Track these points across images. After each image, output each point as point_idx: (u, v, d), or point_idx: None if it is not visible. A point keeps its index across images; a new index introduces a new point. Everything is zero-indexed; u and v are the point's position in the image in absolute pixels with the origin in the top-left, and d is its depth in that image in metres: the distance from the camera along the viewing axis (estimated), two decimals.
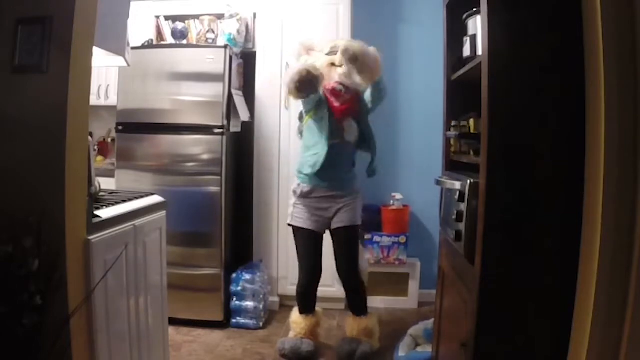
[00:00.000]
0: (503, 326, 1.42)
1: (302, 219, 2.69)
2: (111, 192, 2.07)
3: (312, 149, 2.64)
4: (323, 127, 2.60)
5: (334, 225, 2.71)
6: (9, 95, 1.45)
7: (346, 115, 2.61)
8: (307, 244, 2.71)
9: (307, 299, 2.77)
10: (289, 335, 2.80)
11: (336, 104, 2.59)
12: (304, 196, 2.68)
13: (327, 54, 2.65)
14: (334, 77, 2.59)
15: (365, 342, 2.67)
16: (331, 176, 2.64)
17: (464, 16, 1.87)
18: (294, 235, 2.77)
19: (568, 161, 1.33)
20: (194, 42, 3.44)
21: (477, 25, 1.76)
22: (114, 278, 1.64)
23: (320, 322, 2.85)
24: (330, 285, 3.31)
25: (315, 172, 2.60)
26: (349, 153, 2.71)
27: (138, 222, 1.85)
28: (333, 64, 2.60)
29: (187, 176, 3.09)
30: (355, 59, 2.47)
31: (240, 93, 3.30)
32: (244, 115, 3.22)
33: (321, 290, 3.14)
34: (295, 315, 2.81)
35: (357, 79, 2.56)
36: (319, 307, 2.86)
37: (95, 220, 1.58)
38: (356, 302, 2.80)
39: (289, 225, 2.76)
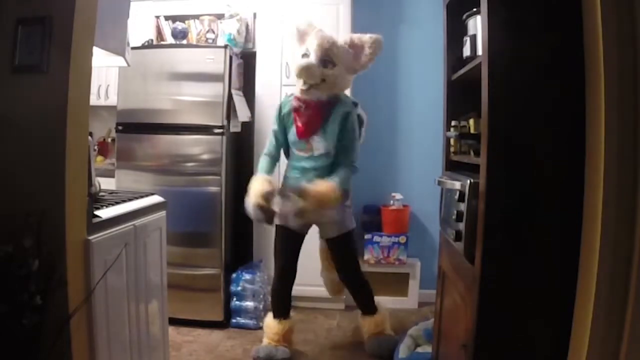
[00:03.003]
0: (503, 326, 1.42)
1: (282, 217, 2.62)
2: (111, 192, 2.07)
3: (287, 168, 2.72)
4: (290, 148, 2.65)
5: (325, 236, 2.74)
6: (9, 95, 1.45)
7: (310, 132, 2.55)
8: (283, 242, 2.69)
9: (279, 300, 2.71)
10: (262, 341, 2.72)
11: (299, 122, 2.57)
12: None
13: (302, 55, 2.58)
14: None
15: (389, 336, 2.76)
16: None
17: (464, 16, 1.87)
18: (275, 235, 2.74)
19: (568, 161, 1.33)
20: (194, 42, 3.44)
21: (477, 25, 1.76)
22: (114, 278, 1.64)
23: (295, 328, 2.77)
24: None
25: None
26: (323, 165, 2.58)
27: (138, 222, 1.85)
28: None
29: (187, 176, 3.08)
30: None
31: (241, 93, 3.30)
32: (243, 116, 3.21)
33: (321, 290, 3.14)
34: (268, 319, 2.74)
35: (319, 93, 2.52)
36: (294, 312, 2.80)
37: (95, 220, 1.58)
38: (363, 302, 2.80)
39: (276, 226, 2.71)
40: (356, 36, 2.62)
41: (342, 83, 2.61)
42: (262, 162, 2.69)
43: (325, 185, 2.42)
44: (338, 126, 2.54)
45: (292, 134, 2.62)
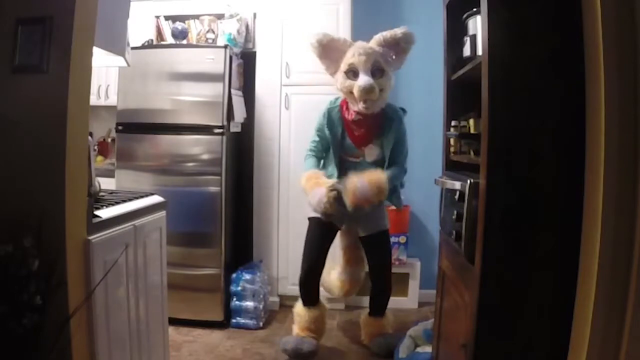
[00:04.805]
0: (503, 326, 1.42)
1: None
2: (111, 192, 2.07)
3: (327, 168, 2.73)
4: (335, 150, 2.68)
5: (361, 233, 2.77)
6: (9, 95, 1.45)
7: (367, 141, 2.65)
8: (316, 233, 2.72)
9: (307, 290, 2.76)
10: (293, 328, 2.79)
11: (356, 132, 2.65)
12: None
13: (346, 72, 2.59)
14: (352, 104, 2.61)
15: (392, 334, 2.82)
16: None
17: (464, 16, 1.87)
18: (308, 227, 2.77)
19: (568, 161, 1.33)
20: (194, 42, 3.44)
21: (477, 25, 1.76)
22: (114, 278, 1.64)
23: (325, 316, 2.83)
24: None
25: None
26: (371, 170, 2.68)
27: (138, 222, 1.85)
28: (351, 92, 2.57)
29: (187, 176, 3.09)
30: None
31: (240, 93, 3.30)
32: (239, 116, 3.21)
33: (321, 290, 3.13)
34: (298, 307, 2.80)
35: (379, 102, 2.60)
36: (323, 301, 2.84)
37: (95, 220, 1.58)
38: (381, 304, 2.83)
39: (309, 219, 2.75)
40: (388, 35, 2.62)
41: (391, 86, 2.67)
42: (311, 161, 2.73)
43: (377, 176, 2.52)
44: (394, 137, 2.65)
45: (346, 140, 2.67)
